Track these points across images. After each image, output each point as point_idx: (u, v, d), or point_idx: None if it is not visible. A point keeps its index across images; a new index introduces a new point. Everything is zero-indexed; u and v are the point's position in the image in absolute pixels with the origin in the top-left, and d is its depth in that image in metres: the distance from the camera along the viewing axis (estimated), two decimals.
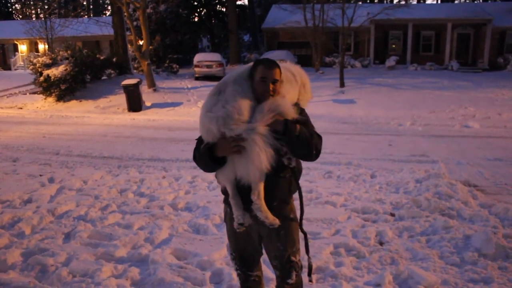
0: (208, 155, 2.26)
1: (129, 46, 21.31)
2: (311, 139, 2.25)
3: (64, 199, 5.51)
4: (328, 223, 4.60)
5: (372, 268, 3.64)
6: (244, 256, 2.57)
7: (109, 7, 36.81)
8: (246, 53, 29.27)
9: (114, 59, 20.49)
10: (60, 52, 18.71)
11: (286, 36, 26.54)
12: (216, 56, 22.92)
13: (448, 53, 24.63)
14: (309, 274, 2.50)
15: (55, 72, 17.43)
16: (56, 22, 26.44)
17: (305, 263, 2.55)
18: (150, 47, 20.06)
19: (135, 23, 20.55)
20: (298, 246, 2.47)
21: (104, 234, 4.33)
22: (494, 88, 17.64)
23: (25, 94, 19.84)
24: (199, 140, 2.38)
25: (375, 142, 9.64)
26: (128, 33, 21.61)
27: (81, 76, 18.43)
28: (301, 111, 2.35)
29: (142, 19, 18.02)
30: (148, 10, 23.27)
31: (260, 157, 2.15)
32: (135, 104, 15.62)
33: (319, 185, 6.06)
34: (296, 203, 2.49)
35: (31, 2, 41.31)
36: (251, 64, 2.36)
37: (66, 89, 17.62)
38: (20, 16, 44.29)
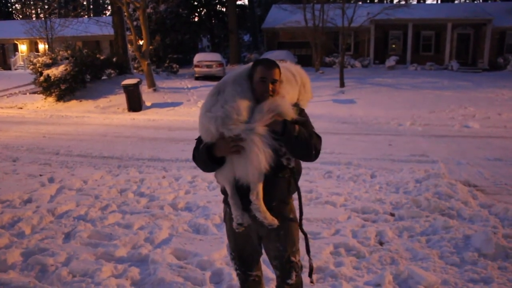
0: (207, 155, 2.26)
1: (129, 46, 21.31)
2: (310, 140, 2.24)
3: (64, 199, 5.51)
4: (328, 223, 4.60)
5: (372, 268, 3.64)
6: (243, 256, 2.57)
7: (109, 7, 36.88)
8: (246, 53, 29.29)
9: (114, 59, 20.48)
10: (60, 52, 18.70)
11: (286, 36, 26.54)
12: (216, 56, 22.93)
13: (448, 53, 24.63)
14: (310, 275, 2.50)
15: (55, 72, 17.43)
16: (56, 22, 26.44)
17: (305, 263, 2.55)
18: (150, 47, 20.06)
19: (135, 23, 20.56)
20: (297, 246, 2.47)
21: (104, 234, 4.33)
22: (494, 88, 17.64)
23: (25, 94, 19.84)
24: (199, 140, 2.38)
25: (375, 142, 9.64)
26: (128, 33, 21.61)
27: (81, 76, 18.42)
28: (301, 111, 2.35)
29: (142, 19, 18.02)
30: (148, 10, 23.27)
31: (258, 157, 2.15)
32: (135, 104, 15.61)
33: (319, 185, 6.06)
34: (296, 203, 2.49)
35: (31, 2, 41.34)
36: (250, 64, 2.35)
37: (66, 89, 17.62)
38: (20, 16, 44.29)
